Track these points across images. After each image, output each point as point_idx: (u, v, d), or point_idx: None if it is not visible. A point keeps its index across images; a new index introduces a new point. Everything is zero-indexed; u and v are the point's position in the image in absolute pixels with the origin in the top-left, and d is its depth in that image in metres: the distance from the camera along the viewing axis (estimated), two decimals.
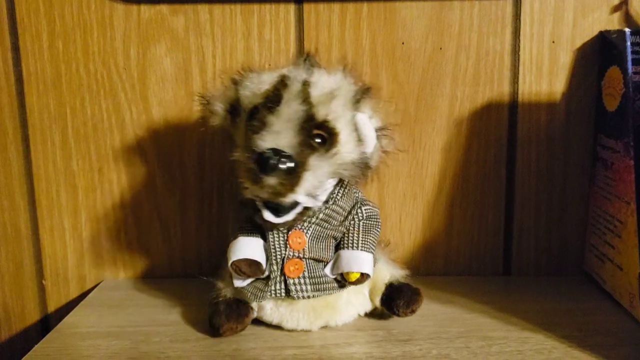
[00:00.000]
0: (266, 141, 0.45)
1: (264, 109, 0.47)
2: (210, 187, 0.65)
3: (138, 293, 0.63)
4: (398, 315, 0.53)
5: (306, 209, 0.49)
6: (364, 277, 0.51)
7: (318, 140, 0.47)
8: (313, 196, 0.48)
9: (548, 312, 0.56)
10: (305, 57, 0.52)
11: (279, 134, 0.45)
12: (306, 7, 0.62)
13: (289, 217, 0.48)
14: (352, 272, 0.51)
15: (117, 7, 0.62)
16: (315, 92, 0.47)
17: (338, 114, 0.48)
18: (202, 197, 0.66)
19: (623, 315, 0.55)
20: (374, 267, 0.54)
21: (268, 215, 0.48)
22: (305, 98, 0.47)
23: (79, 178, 0.65)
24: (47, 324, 0.68)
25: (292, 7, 0.62)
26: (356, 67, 0.62)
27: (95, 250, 0.67)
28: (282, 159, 0.44)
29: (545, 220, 0.66)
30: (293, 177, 0.45)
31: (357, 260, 0.52)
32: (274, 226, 0.50)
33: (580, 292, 0.61)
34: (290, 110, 0.46)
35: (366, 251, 0.53)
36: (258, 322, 0.54)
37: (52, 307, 0.68)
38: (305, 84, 0.48)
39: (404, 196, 0.66)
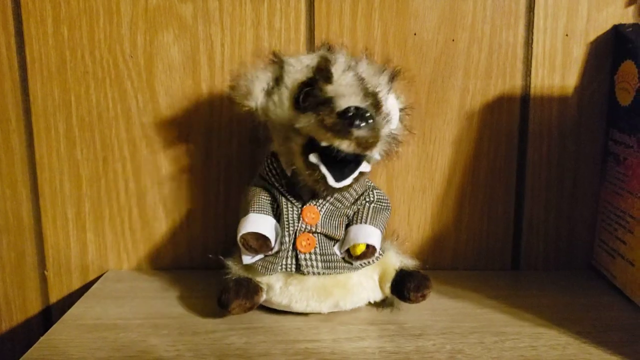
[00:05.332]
0: (348, 101, 0.47)
1: (321, 80, 0.49)
2: (217, 177, 0.64)
3: (143, 284, 0.62)
4: (409, 300, 0.53)
5: (361, 174, 0.50)
6: (369, 249, 0.52)
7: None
8: (368, 161, 0.50)
9: (560, 308, 0.55)
10: (327, 46, 0.53)
11: (350, 97, 0.47)
12: None
13: (348, 181, 0.50)
14: (358, 244, 0.52)
15: None
16: (360, 69, 0.50)
17: (382, 88, 0.51)
18: (209, 187, 0.65)
19: (635, 311, 0.55)
20: (383, 254, 0.54)
21: (331, 180, 0.49)
22: (355, 72, 0.50)
23: (83, 167, 0.64)
24: (48, 315, 0.67)
25: None
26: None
27: (98, 241, 0.65)
28: (368, 114, 0.46)
29: (555, 215, 0.65)
30: (377, 132, 0.47)
31: (364, 232, 0.53)
32: (334, 190, 0.50)
33: (590, 288, 0.61)
34: (347, 79, 0.49)
35: (374, 226, 0.54)
36: (268, 312, 0.54)
37: (54, 298, 0.67)
38: (351, 63, 0.50)
39: (413, 189, 0.65)
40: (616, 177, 0.60)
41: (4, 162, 0.64)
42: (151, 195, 0.65)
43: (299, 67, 0.51)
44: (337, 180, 0.49)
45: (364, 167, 0.50)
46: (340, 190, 0.51)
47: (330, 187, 0.49)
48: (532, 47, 0.62)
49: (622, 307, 0.56)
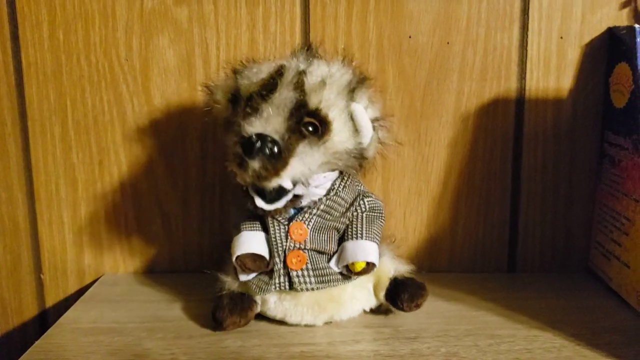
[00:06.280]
0: (254, 127, 0.46)
1: (258, 97, 0.47)
2: (213, 181, 0.64)
3: (139, 288, 0.62)
4: (403, 310, 0.52)
5: (296, 196, 0.49)
6: (369, 266, 0.51)
7: (310, 128, 0.48)
8: (303, 183, 0.48)
9: (555, 310, 0.55)
10: (307, 47, 0.52)
11: (267, 120, 0.46)
12: None
13: (279, 204, 0.48)
14: (358, 262, 0.51)
15: None
16: (309, 81, 0.48)
17: (331, 102, 0.48)
18: (204, 190, 0.65)
19: (630, 313, 0.55)
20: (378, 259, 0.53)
21: (259, 202, 0.48)
22: (299, 86, 0.47)
23: (79, 171, 0.64)
24: (45, 318, 0.67)
25: None
26: (362, 60, 0.62)
27: (94, 244, 0.65)
28: (267, 144, 0.45)
29: (551, 217, 0.65)
30: (278, 162, 0.45)
31: (362, 249, 0.52)
32: (266, 214, 0.50)
33: (586, 290, 0.61)
34: (282, 97, 0.47)
35: (371, 240, 0.53)
36: (263, 317, 0.53)
37: (50, 301, 0.67)
38: (301, 73, 0.48)
39: (409, 192, 0.65)
40: (611, 179, 0.60)
41: (0, 166, 0.64)
42: (147, 199, 0.65)
43: (250, 80, 0.49)
44: (268, 202, 0.48)
45: (298, 190, 0.48)
46: (271, 212, 0.49)
47: (261, 209, 0.48)
48: (526, 50, 0.62)
49: (617, 309, 0.56)
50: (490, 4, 0.62)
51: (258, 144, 0.45)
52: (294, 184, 0.48)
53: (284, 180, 0.46)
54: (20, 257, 0.66)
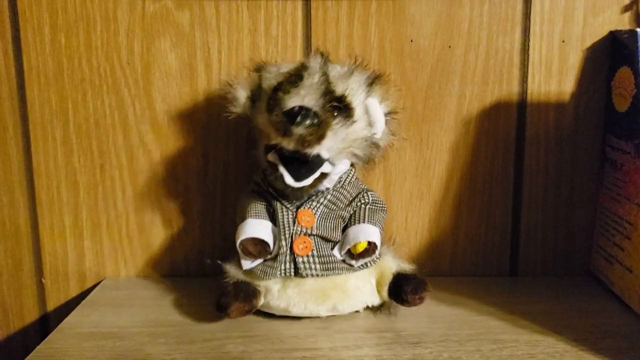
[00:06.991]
0: (294, 100, 0.49)
1: (287, 84, 0.50)
2: (214, 184, 0.64)
3: (140, 292, 0.62)
4: (406, 302, 0.53)
5: (323, 175, 0.52)
6: (371, 246, 0.53)
7: (336, 112, 0.51)
8: (331, 162, 0.51)
9: (557, 314, 0.55)
10: (319, 53, 0.53)
11: (304, 97, 0.49)
12: (314, 3, 0.61)
13: (308, 181, 0.51)
14: (360, 242, 0.53)
15: (121, 1, 0.61)
16: (332, 72, 0.52)
17: (354, 91, 0.52)
18: (206, 194, 0.65)
19: (633, 318, 0.55)
20: (380, 257, 0.55)
21: (289, 179, 0.50)
22: (324, 75, 0.51)
23: (80, 174, 0.64)
24: (46, 322, 0.67)
25: (299, 3, 0.61)
26: (364, 63, 0.61)
27: (95, 248, 0.65)
28: (310, 113, 0.48)
29: (553, 221, 0.65)
30: (319, 130, 0.49)
31: (364, 231, 0.54)
32: (292, 193, 0.53)
33: (588, 294, 0.61)
34: (311, 82, 0.50)
35: (373, 224, 0.55)
36: (265, 320, 0.53)
37: (51, 305, 0.66)
38: (324, 67, 0.52)
39: (411, 195, 0.65)
40: (613, 183, 0.60)
41: (1, 169, 0.64)
42: (148, 202, 0.64)
43: (274, 74, 0.52)
44: (296, 179, 0.50)
45: (325, 167, 0.51)
46: (301, 189, 0.52)
47: (290, 186, 0.50)
48: (528, 53, 0.62)
49: (620, 313, 0.56)
50: (492, 8, 0.61)
51: (303, 112, 0.48)
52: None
53: (323, 149, 0.50)
54: (22, 261, 0.66)
